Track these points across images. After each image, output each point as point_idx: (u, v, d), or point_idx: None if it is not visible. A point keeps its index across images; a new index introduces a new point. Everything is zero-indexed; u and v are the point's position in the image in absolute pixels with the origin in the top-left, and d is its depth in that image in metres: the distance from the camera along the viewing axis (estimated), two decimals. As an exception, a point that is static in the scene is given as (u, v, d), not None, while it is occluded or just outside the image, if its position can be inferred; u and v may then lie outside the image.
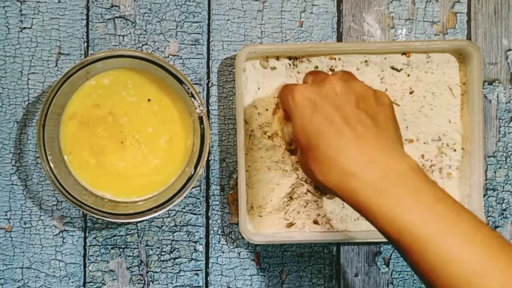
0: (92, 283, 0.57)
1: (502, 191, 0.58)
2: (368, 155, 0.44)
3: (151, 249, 0.57)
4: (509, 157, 0.58)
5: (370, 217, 0.44)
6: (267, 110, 0.57)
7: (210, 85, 0.58)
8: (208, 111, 0.58)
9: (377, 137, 0.45)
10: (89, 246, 0.57)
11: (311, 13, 0.58)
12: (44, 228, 0.57)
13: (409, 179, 0.43)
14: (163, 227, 0.57)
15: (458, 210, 0.42)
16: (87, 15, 0.58)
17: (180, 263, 0.57)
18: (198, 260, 0.58)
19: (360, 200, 0.44)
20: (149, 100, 0.54)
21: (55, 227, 0.57)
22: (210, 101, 0.58)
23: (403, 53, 0.57)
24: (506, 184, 0.58)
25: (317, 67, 0.57)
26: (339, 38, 0.59)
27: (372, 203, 0.43)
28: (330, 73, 0.55)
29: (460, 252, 0.41)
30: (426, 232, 0.41)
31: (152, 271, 0.57)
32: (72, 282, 0.57)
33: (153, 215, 0.52)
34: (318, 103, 0.47)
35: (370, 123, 0.46)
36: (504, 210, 0.58)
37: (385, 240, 0.56)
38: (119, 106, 0.54)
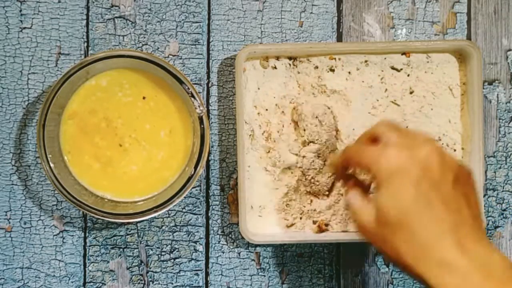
0: (92, 283, 0.57)
1: (502, 191, 0.58)
2: (469, 247, 0.41)
3: (151, 249, 0.57)
4: (509, 157, 0.58)
5: None
6: (267, 110, 0.57)
7: (210, 85, 0.58)
8: (208, 111, 0.58)
9: (473, 227, 0.42)
10: (89, 246, 0.57)
11: (311, 13, 0.58)
12: (44, 228, 0.57)
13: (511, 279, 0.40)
14: (163, 227, 0.57)
15: None
16: (87, 15, 0.58)
17: (180, 263, 0.57)
18: (198, 260, 0.58)
19: None
20: (144, 97, 0.54)
21: (55, 227, 0.57)
22: (210, 101, 0.58)
23: (403, 53, 0.57)
24: (506, 184, 0.58)
25: (317, 67, 0.57)
26: (339, 38, 0.59)
27: None
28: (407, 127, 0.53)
29: None
30: None
31: (152, 271, 0.57)
32: (72, 282, 0.57)
33: (153, 215, 0.52)
34: (416, 175, 0.42)
35: (466, 210, 0.42)
36: (504, 210, 0.58)
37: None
38: (113, 109, 0.54)
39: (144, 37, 0.58)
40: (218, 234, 0.58)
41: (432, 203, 0.42)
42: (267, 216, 0.57)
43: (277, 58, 0.57)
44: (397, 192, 0.42)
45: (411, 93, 0.57)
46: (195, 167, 0.52)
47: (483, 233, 0.43)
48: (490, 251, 0.41)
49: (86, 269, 0.57)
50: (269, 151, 0.57)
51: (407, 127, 0.57)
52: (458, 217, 0.42)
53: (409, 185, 0.42)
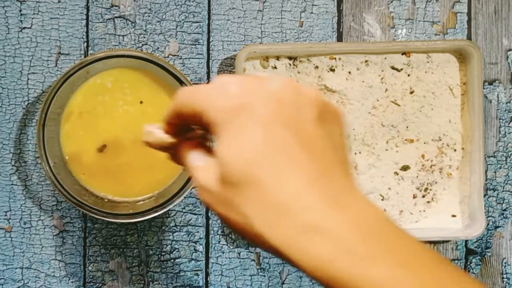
0: (92, 283, 0.57)
1: (502, 191, 0.58)
2: (340, 202, 0.30)
3: (151, 249, 0.57)
4: (509, 157, 0.58)
5: None
6: (267, 110, 0.57)
7: (210, 85, 0.58)
8: (208, 111, 0.58)
9: (341, 173, 0.32)
10: (89, 246, 0.57)
11: (311, 13, 0.58)
12: (44, 228, 0.57)
13: (391, 234, 0.31)
14: (163, 227, 0.57)
15: (459, 275, 0.31)
16: (87, 15, 0.58)
17: (180, 263, 0.57)
18: (198, 260, 0.57)
19: (334, 269, 0.29)
20: (141, 102, 0.54)
21: (55, 227, 0.57)
22: (210, 101, 0.58)
23: (403, 53, 0.57)
24: (506, 184, 0.58)
25: (317, 67, 0.57)
26: (339, 38, 0.59)
27: (356, 273, 0.29)
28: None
29: None
30: None
31: (152, 271, 0.57)
32: (72, 282, 0.57)
33: (153, 215, 0.52)
34: (264, 112, 0.31)
35: (332, 154, 0.32)
36: (504, 210, 0.58)
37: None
38: (113, 109, 0.54)
39: (144, 37, 0.58)
40: (218, 234, 0.58)
41: (287, 147, 0.31)
42: (267, 216, 0.57)
43: (277, 58, 0.57)
44: (241, 137, 0.31)
45: (411, 93, 0.57)
46: (195, 167, 0.52)
47: (353, 181, 0.32)
48: (365, 204, 0.31)
49: (86, 269, 0.57)
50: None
51: (407, 127, 0.57)
52: (323, 164, 0.31)
53: (255, 126, 0.31)
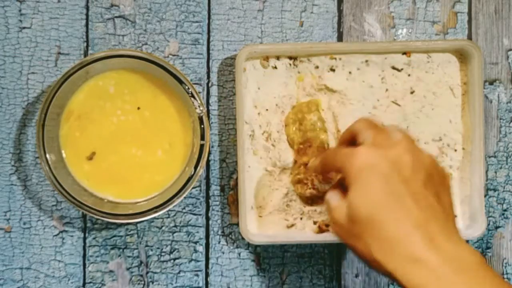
0: (91, 284, 0.57)
1: (503, 191, 0.58)
2: (438, 243, 0.40)
3: (151, 250, 0.57)
4: (510, 157, 0.58)
5: None
6: (267, 110, 0.57)
7: (210, 85, 0.58)
8: (208, 111, 0.58)
9: (444, 224, 0.42)
10: (89, 246, 0.57)
11: (312, 12, 0.58)
12: (44, 228, 0.57)
13: (483, 273, 0.40)
14: (163, 228, 0.57)
15: None
16: (87, 14, 0.58)
17: (180, 264, 0.57)
18: (198, 261, 0.57)
19: None
20: (138, 108, 0.54)
21: (55, 227, 0.57)
22: (210, 101, 0.58)
23: (404, 53, 0.57)
24: (507, 184, 0.58)
25: (317, 67, 0.57)
26: (340, 38, 0.58)
27: None
28: (385, 125, 0.50)
29: None
30: None
31: (152, 272, 0.57)
32: (72, 282, 0.57)
33: (153, 216, 0.52)
34: (386, 171, 0.42)
35: (438, 208, 0.42)
36: (505, 210, 0.58)
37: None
38: (113, 109, 0.54)
39: (144, 37, 0.58)
40: (218, 234, 0.57)
41: (402, 199, 0.41)
42: (267, 217, 0.57)
43: (278, 58, 0.57)
44: (367, 188, 0.42)
45: (412, 93, 0.57)
46: (195, 167, 0.52)
47: (455, 230, 0.43)
48: (461, 247, 0.41)
49: (86, 269, 0.57)
50: (269, 151, 0.57)
51: (407, 127, 0.57)
52: (428, 214, 0.41)
53: (378, 181, 0.42)
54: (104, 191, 0.54)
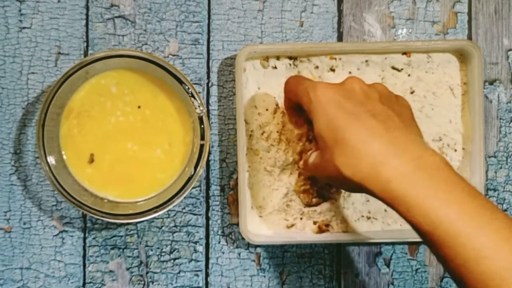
0: (91, 284, 0.57)
1: (503, 191, 0.58)
2: (400, 146, 0.43)
3: (151, 250, 0.57)
4: (510, 157, 0.58)
5: (402, 208, 0.42)
6: (267, 110, 0.57)
7: (210, 85, 0.58)
8: (208, 111, 0.58)
9: (405, 131, 0.45)
10: (89, 246, 0.57)
11: (312, 12, 0.58)
12: (44, 228, 0.57)
13: (444, 173, 0.43)
14: (163, 228, 0.57)
15: (492, 208, 0.42)
16: (87, 14, 0.58)
17: (180, 264, 0.57)
18: (198, 261, 0.57)
19: (393, 191, 0.42)
20: (139, 107, 0.54)
21: (55, 227, 0.57)
22: (210, 101, 0.58)
23: (404, 53, 0.57)
24: (507, 184, 0.58)
25: (317, 67, 0.57)
26: (340, 38, 0.58)
27: (407, 194, 0.42)
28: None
29: (495, 249, 0.40)
30: (461, 227, 0.41)
31: (152, 272, 0.57)
32: (72, 282, 0.57)
33: (153, 216, 0.52)
34: (341, 100, 0.46)
35: (397, 119, 0.45)
36: (505, 210, 0.58)
37: (385, 240, 0.56)
38: (112, 109, 0.54)
39: (144, 37, 0.58)
40: (218, 234, 0.57)
41: (359, 116, 0.45)
42: (267, 217, 0.57)
43: (278, 58, 0.57)
44: (327, 115, 0.46)
45: (411, 93, 0.57)
46: (195, 167, 0.52)
47: (417, 137, 0.45)
48: (422, 149, 0.43)
49: (86, 269, 0.57)
50: (269, 151, 0.56)
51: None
52: (388, 124, 0.44)
53: (336, 108, 0.46)
54: (105, 192, 0.54)
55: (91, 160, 0.54)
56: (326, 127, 0.46)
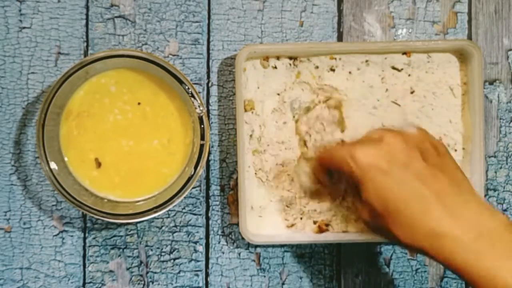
0: (91, 284, 0.57)
1: (503, 191, 0.58)
2: (455, 213, 0.43)
3: (151, 250, 0.57)
4: (510, 157, 0.58)
5: (468, 277, 0.43)
6: (267, 110, 0.57)
7: (210, 85, 0.58)
8: (208, 111, 0.58)
9: (457, 192, 0.45)
10: (89, 246, 0.57)
11: (312, 12, 0.58)
12: (44, 228, 0.57)
13: (505, 237, 0.43)
14: (163, 228, 0.57)
15: None
16: (87, 14, 0.58)
17: (180, 264, 0.57)
18: (198, 261, 0.57)
19: (457, 262, 0.43)
20: (139, 103, 0.54)
21: (55, 227, 0.57)
22: (210, 101, 0.58)
23: (404, 53, 0.57)
24: (507, 184, 0.58)
25: (317, 67, 0.57)
26: (340, 38, 0.58)
27: (471, 264, 0.42)
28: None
29: None
30: None
31: (152, 272, 0.57)
32: (72, 282, 0.57)
33: (153, 216, 0.52)
34: (385, 165, 0.45)
35: (443, 178, 0.45)
36: (505, 210, 0.58)
37: (385, 240, 0.56)
38: (112, 109, 0.54)
39: (144, 37, 0.58)
40: (218, 234, 0.57)
41: (407, 182, 0.45)
42: (267, 217, 0.57)
43: (278, 58, 0.57)
44: (374, 185, 0.45)
45: (411, 93, 0.57)
46: (195, 167, 0.52)
47: (470, 196, 0.45)
48: (480, 212, 0.43)
49: (86, 269, 0.57)
50: (269, 151, 0.56)
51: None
52: (437, 187, 0.44)
53: (383, 176, 0.45)
54: (112, 193, 0.54)
55: (98, 165, 0.54)
56: (375, 196, 0.45)
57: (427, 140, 0.48)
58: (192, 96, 0.52)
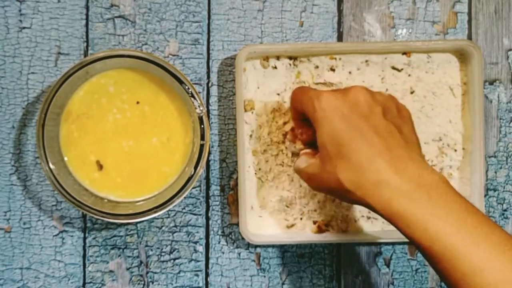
0: (91, 284, 0.57)
1: (503, 191, 0.58)
2: (401, 166, 0.45)
3: (151, 250, 0.57)
4: (510, 157, 0.58)
5: (402, 225, 0.44)
6: (267, 110, 0.57)
7: (210, 85, 0.58)
8: (208, 111, 0.58)
9: (406, 149, 0.46)
10: (89, 246, 0.57)
11: (312, 12, 0.58)
12: (44, 228, 0.57)
13: (442, 191, 0.44)
14: (163, 228, 0.57)
15: (489, 223, 0.44)
16: (87, 14, 0.58)
17: (180, 264, 0.57)
18: (198, 261, 0.57)
19: (393, 208, 0.44)
20: (137, 102, 0.54)
21: (55, 227, 0.57)
22: (210, 101, 0.58)
23: (404, 53, 0.57)
24: (506, 184, 0.58)
25: (317, 67, 0.57)
26: (340, 38, 0.58)
27: (406, 211, 0.44)
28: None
29: (492, 262, 0.42)
30: (459, 241, 0.42)
31: (152, 272, 0.57)
32: (72, 282, 0.57)
33: (153, 216, 0.52)
34: (346, 111, 0.47)
35: (398, 135, 0.47)
36: (505, 210, 0.58)
37: (385, 240, 0.56)
38: (112, 109, 0.54)
39: (144, 37, 0.58)
40: (218, 234, 0.57)
41: (362, 131, 0.46)
42: (267, 217, 0.57)
43: (278, 58, 0.57)
44: (331, 126, 0.47)
45: (411, 93, 0.57)
46: (195, 167, 0.52)
47: (418, 156, 0.47)
48: (423, 168, 0.45)
49: (86, 269, 0.57)
50: (269, 151, 0.56)
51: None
52: (389, 141, 0.46)
53: (341, 120, 0.47)
54: (114, 193, 0.54)
55: (100, 167, 0.54)
56: (330, 138, 0.47)
57: (393, 102, 0.50)
58: (192, 96, 0.52)
